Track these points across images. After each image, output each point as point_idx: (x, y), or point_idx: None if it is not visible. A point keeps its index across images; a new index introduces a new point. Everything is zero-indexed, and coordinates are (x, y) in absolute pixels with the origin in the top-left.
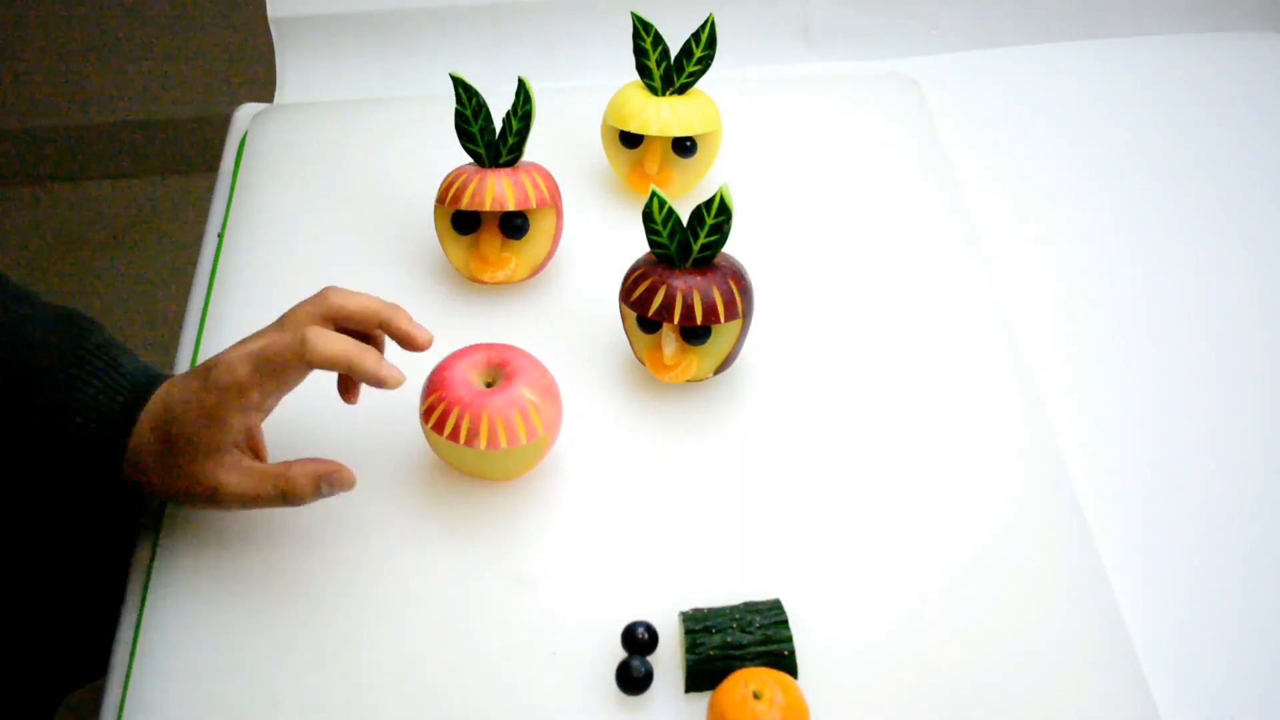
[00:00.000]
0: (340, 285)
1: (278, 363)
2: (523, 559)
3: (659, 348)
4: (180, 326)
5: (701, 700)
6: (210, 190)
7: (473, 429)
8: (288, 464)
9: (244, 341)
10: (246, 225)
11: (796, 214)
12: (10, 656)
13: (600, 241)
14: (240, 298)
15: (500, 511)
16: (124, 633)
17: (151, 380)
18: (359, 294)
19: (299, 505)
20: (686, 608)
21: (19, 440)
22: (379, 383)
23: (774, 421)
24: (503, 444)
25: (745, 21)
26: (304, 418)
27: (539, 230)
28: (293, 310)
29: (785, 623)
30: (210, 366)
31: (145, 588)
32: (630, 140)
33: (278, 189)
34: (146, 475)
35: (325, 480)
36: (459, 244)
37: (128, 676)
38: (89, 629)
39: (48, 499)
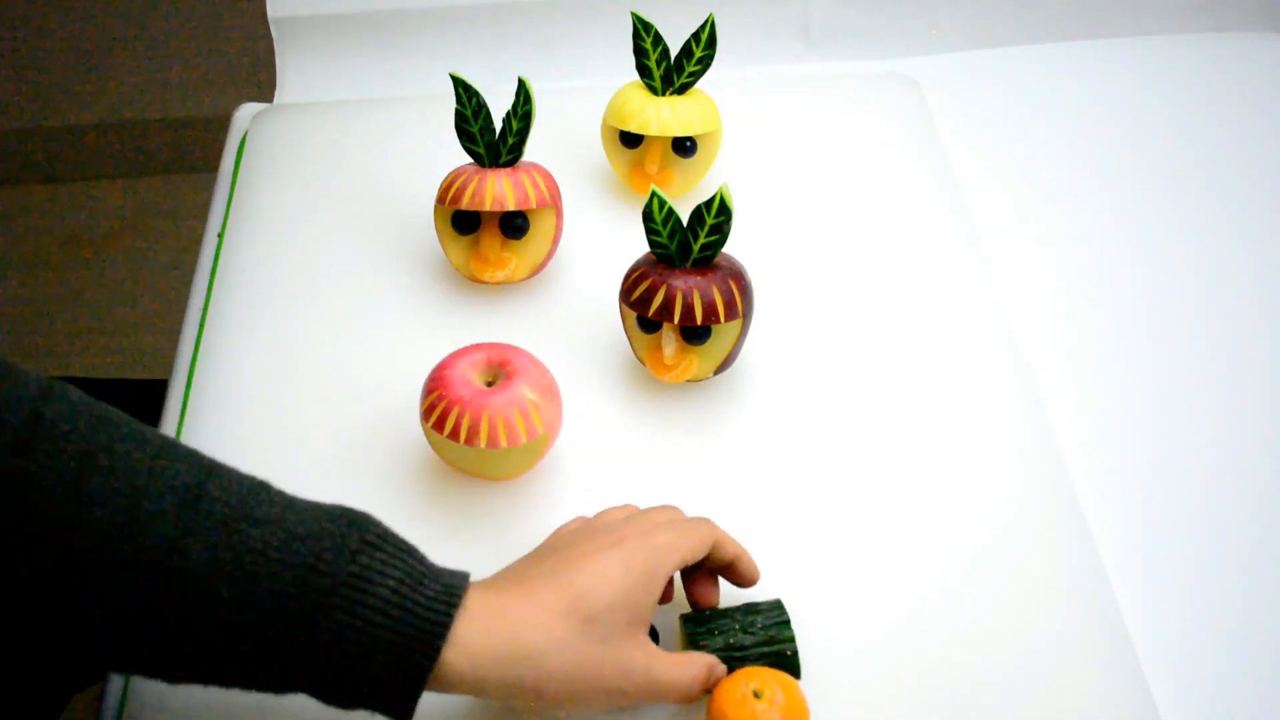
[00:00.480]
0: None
1: (699, 547)
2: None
3: (659, 348)
4: (180, 327)
5: (701, 700)
6: (210, 190)
7: (473, 428)
8: (707, 656)
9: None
10: (246, 225)
11: (796, 214)
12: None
13: (600, 241)
14: (240, 298)
15: (500, 511)
16: None
17: (458, 581)
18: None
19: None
20: (686, 609)
21: (289, 657)
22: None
23: (774, 421)
24: (503, 443)
25: (745, 21)
26: (305, 417)
27: (539, 230)
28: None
29: (787, 623)
30: (624, 534)
31: None
32: (630, 140)
33: (278, 189)
34: (543, 672)
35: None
36: (459, 244)
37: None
38: None
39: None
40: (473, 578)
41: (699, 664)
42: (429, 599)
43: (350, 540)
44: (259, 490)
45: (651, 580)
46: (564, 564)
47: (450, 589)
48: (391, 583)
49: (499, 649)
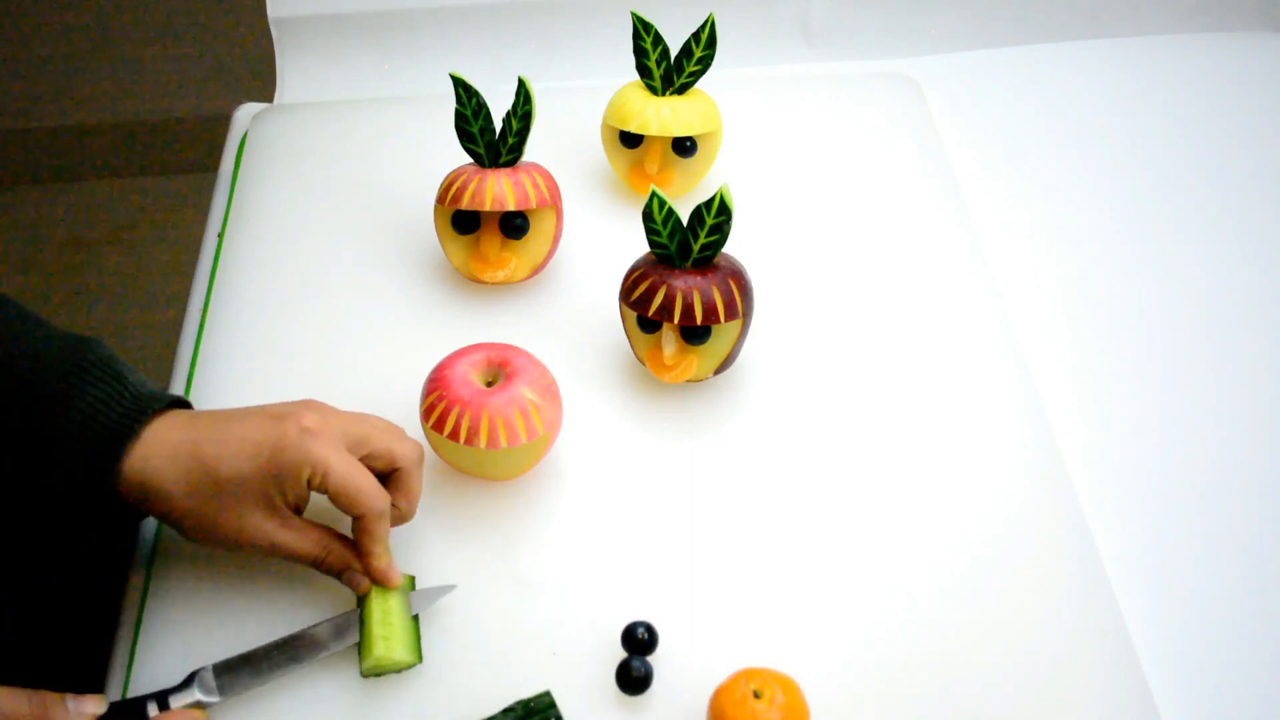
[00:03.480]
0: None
1: (346, 493)
2: (523, 559)
3: (659, 348)
4: (180, 326)
5: (702, 700)
6: (210, 190)
7: (473, 428)
8: (331, 535)
9: (327, 411)
10: (246, 225)
11: (796, 214)
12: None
13: (600, 241)
14: (240, 297)
15: (500, 511)
16: (124, 631)
17: (157, 397)
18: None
19: (320, 572)
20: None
21: (15, 443)
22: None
23: (774, 422)
24: (503, 443)
25: (745, 21)
26: None
27: (539, 230)
28: (371, 420)
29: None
30: (288, 415)
31: (145, 591)
32: (630, 140)
33: (278, 189)
34: (173, 507)
35: (348, 572)
36: (459, 244)
37: (127, 681)
38: (86, 639)
39: (44, 503)
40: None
41: (311, 540)
42: (115, 419)
43: (65, 363)
44: (10, 315)
45: (280, 476)
46: (229, 426)
47: (135, 413)
48: (90, 399)
49: (143, 477)
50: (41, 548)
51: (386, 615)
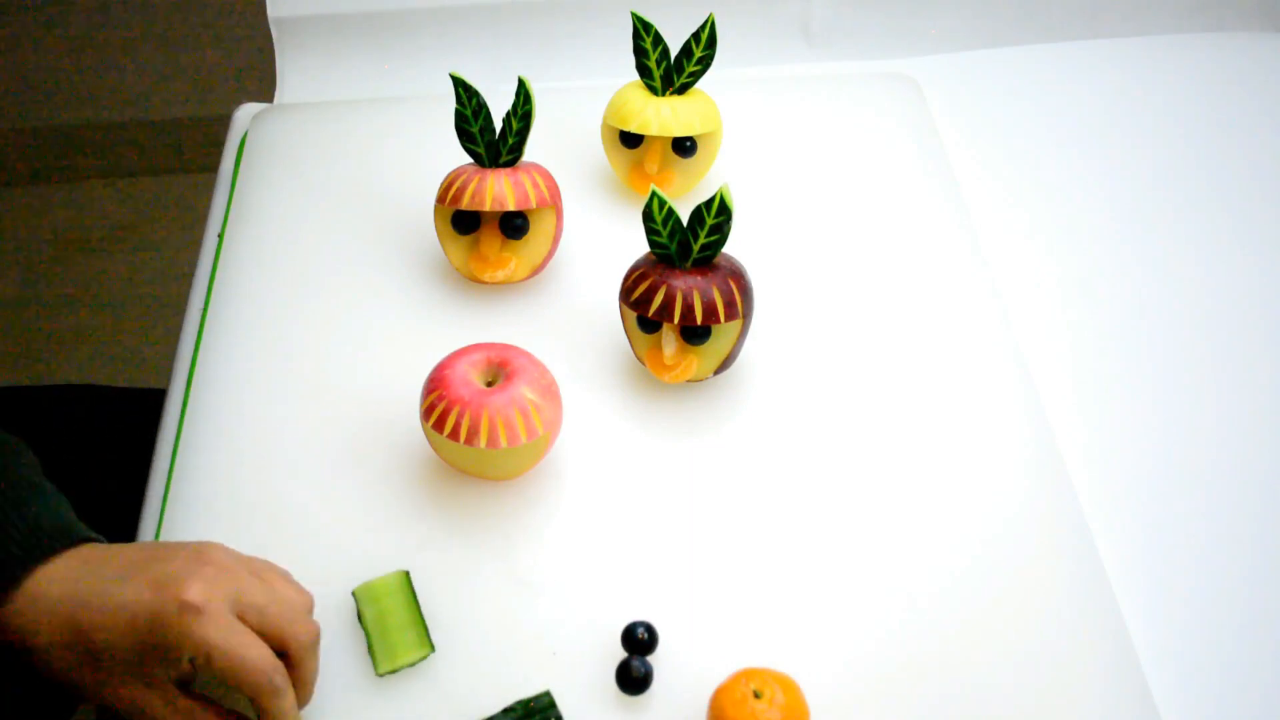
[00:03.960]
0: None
1: (233, 671)
2: (523, 559)
3: (659, 348)
4: (180, 327)
5: (702, 700)
6: (210, 190)
7: (473, 428)
8: (216, 715)
9: (218, 575)
10: (246, 225)
11: (796, 214)
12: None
13: (600, 241)
14: (240, 298)
15: (500, 511)
16: None
17: (54, 537)
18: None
19: None
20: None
21: None
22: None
23: (774, 422)
24: (503, 443)
25: (745, 21)
26: (305, 417)
27: (539, 230)
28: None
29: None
30: (171, 584)
31: None
32: (630, 140)
33: (278, 189)
34: (50, 668)
35: None
36: (459, 244)
37: None
38: None
39: None
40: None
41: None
42: (2, 559)
43: None
44: None
45: (159, 653)
46: (111, 590)
47: (20, 558)
48: None
49: (21, 636)
50: None
51: (382, 620)
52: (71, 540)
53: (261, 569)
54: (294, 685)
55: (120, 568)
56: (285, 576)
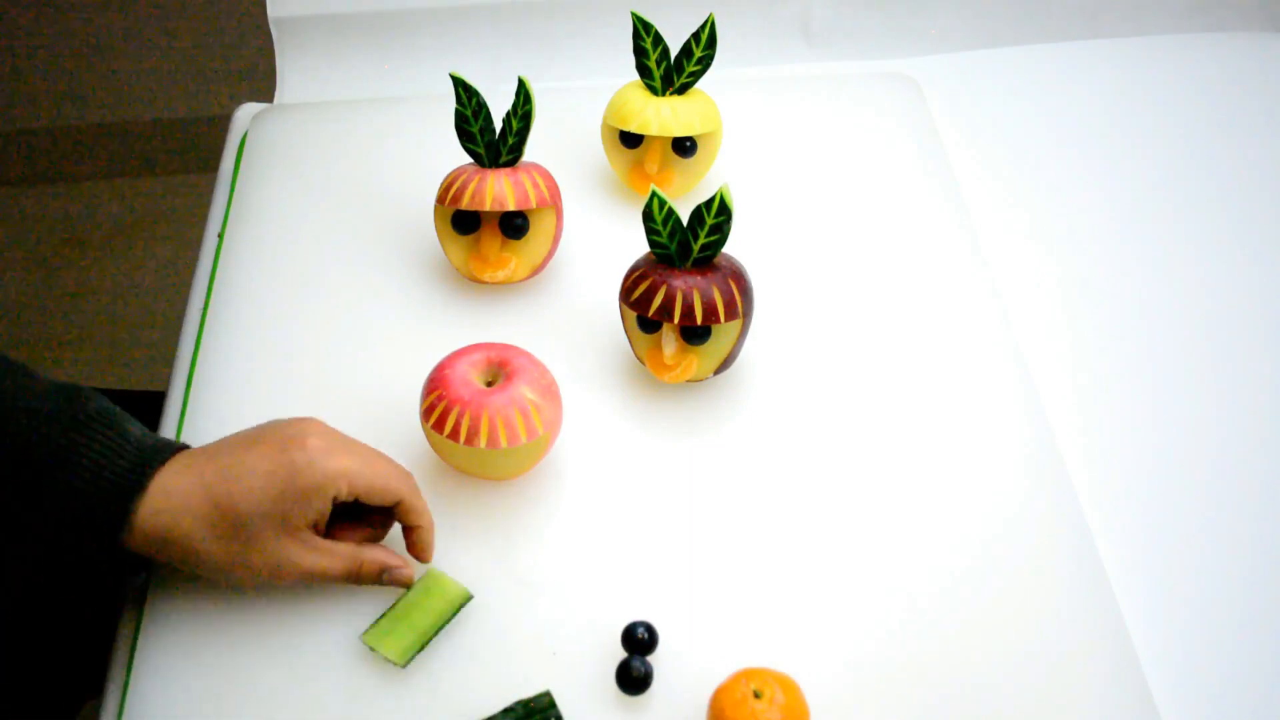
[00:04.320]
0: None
1: (376, 488)
2: (523, 559)
3: (659, 348)
4: (180, 327)
5: (702, 700)
6: (210, 190)
7: (473, 428)
8: (358, 546)
9: (327, 428)
10: (246, 225)
11: (796, 214)
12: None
13: (600, 241)
14: (240, 297)
15: (500, 511)
16: (121, 642)
17: (159, 448)
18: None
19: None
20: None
21: (18, 507)
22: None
23: (774, 422)
24: (503, 443)
25: (745, 21)
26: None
27: (539, 230)
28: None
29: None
30: (294, 440)
31: (143, 597)
32: (630, 140)
33: (278, 189)
34: (196, 554)
35: (388, 572)
36: (459, 244)
37: (124, 693)
38: (79, 673)
39: (48, 561)
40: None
41: (341, 557)
42: (119, 475)
43: (63, 418)
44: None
45: (302, 497)
46: (236, 462)
47: (140, 466)
48: (92, 456)
49: (159, 530)
50: (35, 592)
51: (410, 609)
52: (175, 447)
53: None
54: (417, 524)
55: (237, 444)
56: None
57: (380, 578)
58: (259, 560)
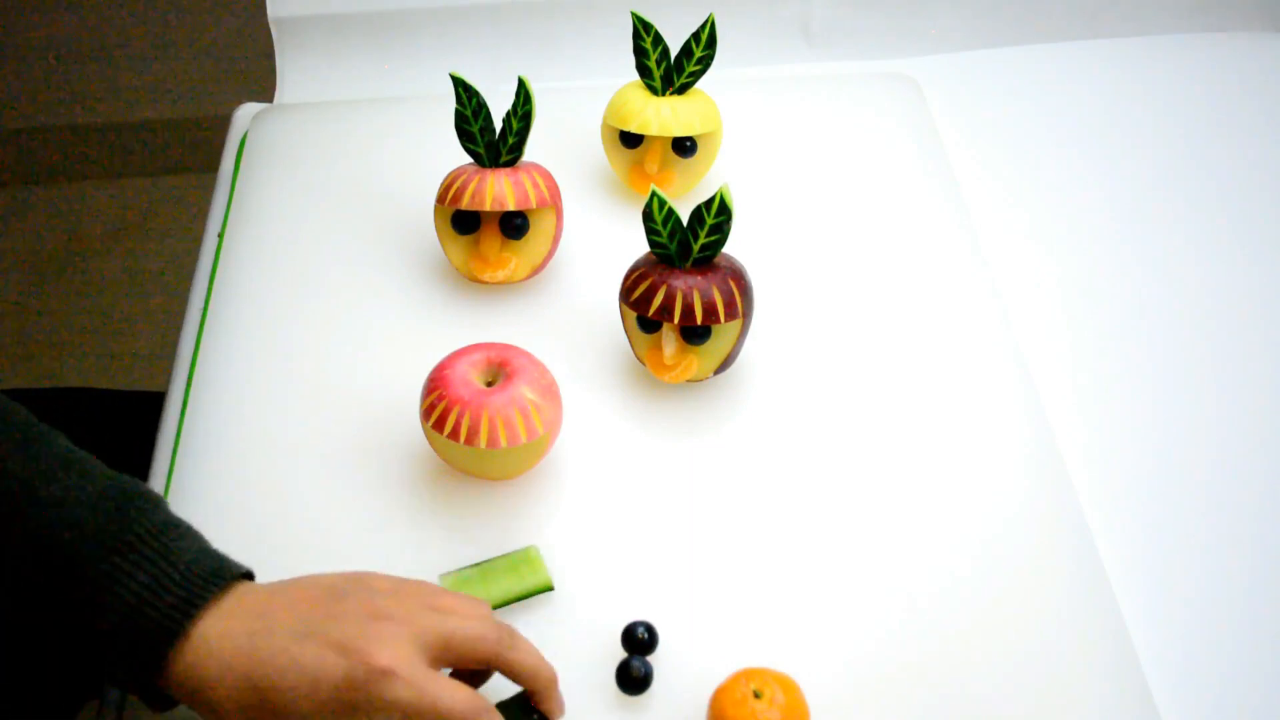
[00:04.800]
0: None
1: (469, 657)
2: None
3: (659, 348)
4: (180, 327)
5: (702, 700)
6: (210, 190)
7: (473, 428)
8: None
9: (400, 628)
10: (246, 225)
11: (796, 214)
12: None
13: (600, 241)
14: (240, 297)
15: (500, 511)
16: None
17: (208, 581)
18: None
19: None
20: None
21: (51, 626)
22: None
23: (774, 422)
24: (503, 443)
25: (745, 21)
26: (305, 417)
27: (539, 230)
28: (447, 597)
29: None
30: (357, 650)
31: None
32: (630, 140)
33: (278, 189)
34: (226, 713)
35: None
36: (459, 244)
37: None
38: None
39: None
40: (239, 575)
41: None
42: (162, 614)
43: (111, 536)
44: (54, 465)
45: (351, 712)
46: (288, 650)
47: (184, 604)
48: (135, 586)
49: (190, 685)
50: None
51: (494, 573)
52: (229, 575)
53: (429, 594)
54: (525, 681)
55: (294, 623)
56: (450, 592)
57: None
58: None
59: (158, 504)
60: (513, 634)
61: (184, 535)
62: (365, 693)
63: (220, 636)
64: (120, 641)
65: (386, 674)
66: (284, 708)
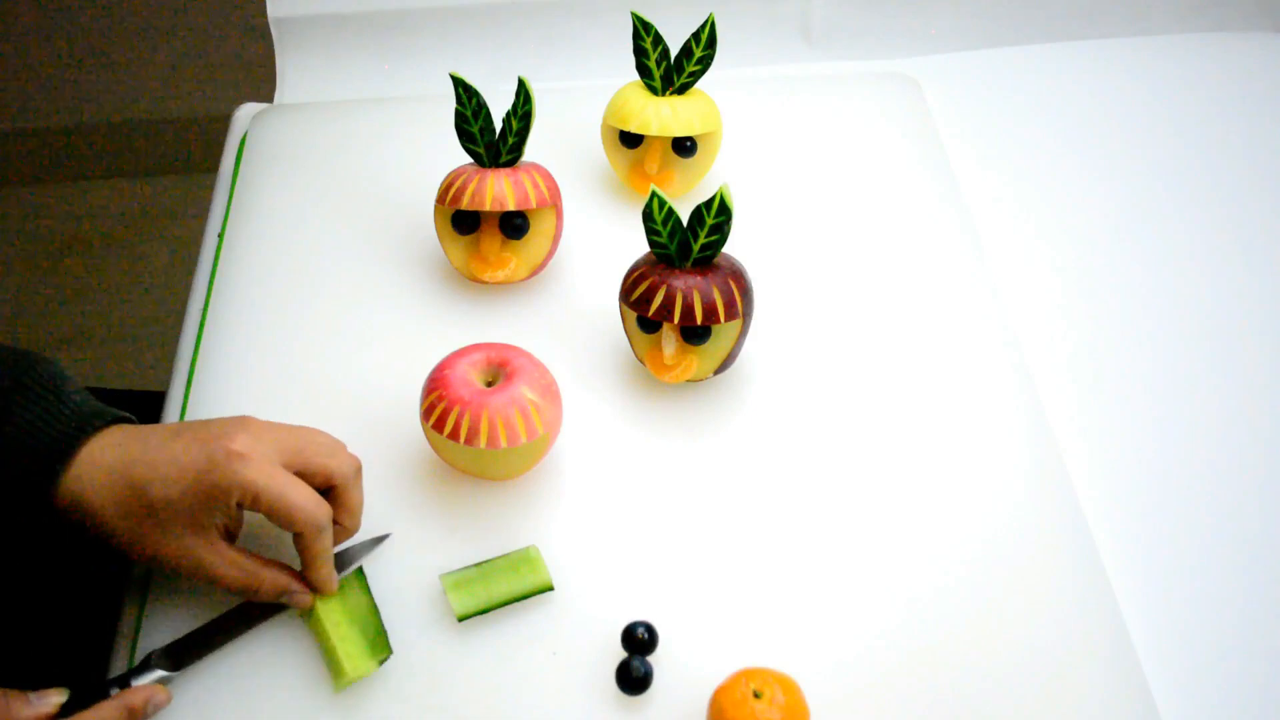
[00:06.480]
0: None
1: (279, 511)
2: None
3: (659, 348)
4: (180, 326)
5: (702, 700)
6: (210, 190)
7: (473, 428)
8: (261, 564)
9: (260, 430)
10: (246, 225)
11: (796, 214)
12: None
13: (600, 241)
14: (240, 297)
15: (500, 511)
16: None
17: (97, 415)
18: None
19: (253, 600)
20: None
21: None
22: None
23: (774, 422)
24: (503, 443)
25: (745, 21)
26: (305, 417)
27: (539, 230)
28: (315, 433)
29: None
30: (218, 438)
31: (144, 594)
32: (630, 140)
33: (278, 189)
34: (106, 528)
35: (287, 593)
36: (459, 244)
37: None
38: (86, 630)
39: None
40: (121, 423)
41: (239, 568)
42: (51, 438)
43: (4, 379)
44: None
45: (207, 496)
46: (162, 448)
47: (74, 431)
48: (27, 417)
49: (76, 496)
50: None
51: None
52: (111, 418)
53: (296, 427)
54: (342, 515)
55: (168, 431)
56: (317, 431)
57: (279, 598)
58: (170, 550)
59: (54, 363)
60: (359, 473)
61: (77, 388)
62: (222, 472)
63: (104, 448)
64: (12, 463)
65: (241, 456)
66: (156, 500)
